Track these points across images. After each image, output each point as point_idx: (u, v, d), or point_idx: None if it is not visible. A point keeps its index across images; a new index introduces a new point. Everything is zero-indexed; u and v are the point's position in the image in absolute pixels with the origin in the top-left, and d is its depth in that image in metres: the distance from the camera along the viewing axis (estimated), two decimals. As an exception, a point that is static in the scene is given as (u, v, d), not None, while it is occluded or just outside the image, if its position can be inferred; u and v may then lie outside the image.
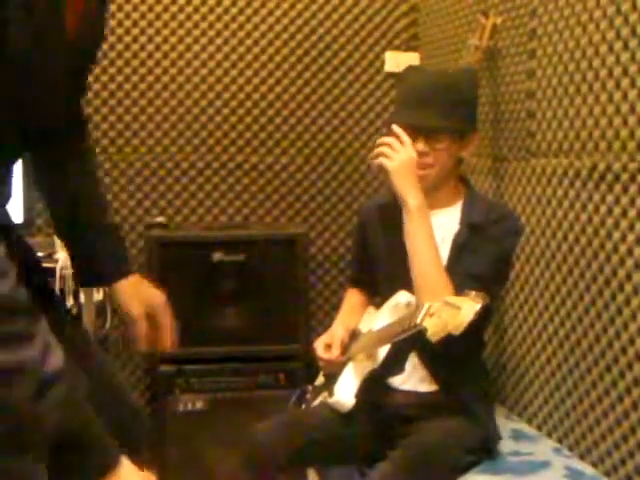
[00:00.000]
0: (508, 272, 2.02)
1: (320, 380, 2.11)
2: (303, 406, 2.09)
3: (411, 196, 1.83)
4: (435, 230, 1.91)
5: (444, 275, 1.81)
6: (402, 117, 1.93)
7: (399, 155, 1.83)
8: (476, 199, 1.98)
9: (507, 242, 1.92)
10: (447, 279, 1.81)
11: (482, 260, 1.86)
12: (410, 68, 2.04)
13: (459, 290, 1.78)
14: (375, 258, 2.06)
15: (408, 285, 1.91)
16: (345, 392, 1.89)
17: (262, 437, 1.91)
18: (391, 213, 2.00)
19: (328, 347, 1.98)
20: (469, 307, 1.48)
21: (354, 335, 2.01)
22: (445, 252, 1.89)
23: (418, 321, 1.56)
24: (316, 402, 2.03)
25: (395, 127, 1.87)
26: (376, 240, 2.05)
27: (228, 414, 2.77)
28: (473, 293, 1.52)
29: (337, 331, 2.01)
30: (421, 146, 1.87)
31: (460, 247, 1.89)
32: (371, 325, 1.95)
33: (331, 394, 1.91)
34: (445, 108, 1.87)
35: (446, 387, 1.90)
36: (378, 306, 2.03)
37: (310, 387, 2.13)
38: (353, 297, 2.21)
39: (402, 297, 1.88)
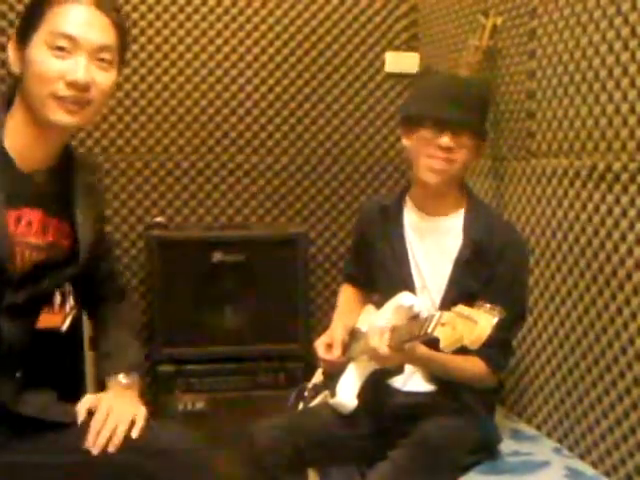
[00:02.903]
0: (526, 307, 2.01)
1: (318, 378, 2.11)
2: (301, 404, 2.09)
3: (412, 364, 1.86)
4: (438, 236, 1.93)
5: (472, 367, 1.84)
6: (431, 110, 1.91)
7: (391, 361, 1.79)
8: (479, 210, 1.95)
9: (517, 282, 1.91)
10: (473, 364, 1.83)
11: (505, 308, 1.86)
12: (427, 70, 2.07)
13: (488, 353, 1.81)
14: (375, 258, 2.05)
15: (409, 286, 1.92)
16: (347, 394, 1.88)
17: (262, 437, 1.90)
18: (393, 215, 2.01)
19: (329, 347, 1.98)
20: (486, 321, 1.45)
21: (353, 334, 2.01)
22: (448, 265, 1.90)
23: (429, 330, 1.54)
24: (316, 401, 2.03)
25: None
26: (377, 241, 2.04)
27: (228, 414, 2.77)
28: (488, 305, 1.49)
29: (337, 331, 2.01)
30: (447, 140, 1.86)
31: (463, 264, 1.89)
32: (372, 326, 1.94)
33: (333, 395, 1.91)
34: (470, 107, 1.89)
35: (446, 387, 1.90)
36: (378, 305, 2.03)
37: (309, 385, 2.13)
38: (348, 294, 2.20)
39: (405, 299, 1.87)
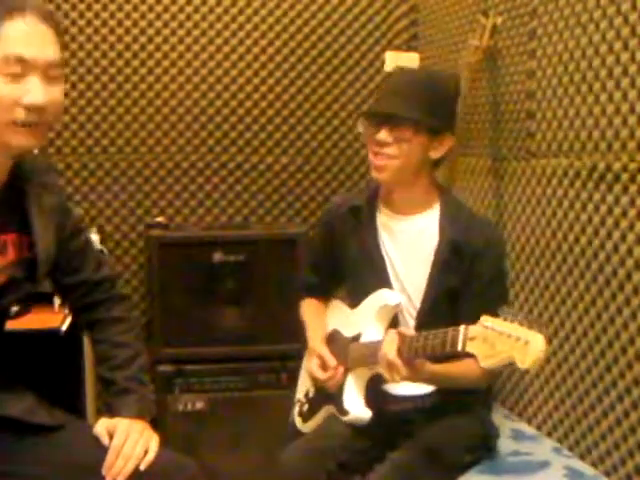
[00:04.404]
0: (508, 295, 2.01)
1: (302, 391, 2.07)
2: (299, 420, 2.05)
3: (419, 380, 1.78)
4: (413, 237, 1.89)
5: (471, 373, 1.75)
6: (370, 107, 1.90)
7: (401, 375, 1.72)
8: (454, 208, 1.91)
9: (500, 274, 1.89)
10: (471, 369, 1.73)
11: (486, 304, 1.77)
12: (397, 68, 2.02)
13: None
14: (346, 261, 2.00)
15: (385, 287, 1.89)
16: (358, 407, 1.85)
17: (297, 468, 1.86)
18: (366, 216, 1.95)
19: (324, 368, 1.93)
20: (535, 340, 1.37)
21: (333, 339, 1.97)
22: (426, 265, 1.86)
23: (459, 347, 1.50)
24: (319, 415, 1.99)
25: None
26: (348, 242, 1.98)
27: (228, 414, 2.77)
28: (524, 319, 1.41)
29: (321, 349, 1.95)
30: (383, 135, 1.82)
31: (441, 264, 1.85)
32: (357, 330, 1.91)
33: (344, 413, 1.86)
34: (413, 100, 1.80)
35: (443, 388, 1.89)
36: (352, 303, 1.98)
37: (300, 398, 2.08)
38: (313, 307, 2.13)
39: (390, 298, 1.85)
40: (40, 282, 1.60)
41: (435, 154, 1.86)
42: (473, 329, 1.49)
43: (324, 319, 2.08)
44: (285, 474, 1.87)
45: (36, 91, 1.40)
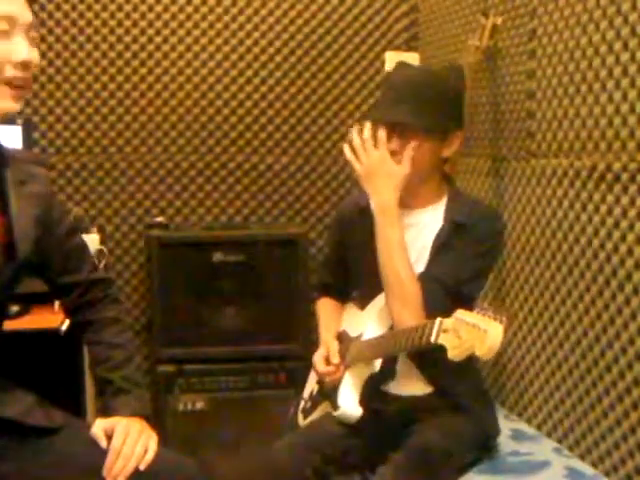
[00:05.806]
0: (486, 274, 1.95)
1: (310, 387, 2.08)
2: (301, 417, 2.07)
3: (376, 198, 1.82)
4: (419, 229, 1.88)
5: (411, 281, 1.77)
6: (377, 114, 1.90)
7: (369, 158, 1.81)
8: (460, 197, 1.93)
9: (487, 243, 1.86)
10: (414, 285, 1.76)
11: (459, 261, 1.81)
12: (399, 64, 1.96)
13: (431, 294, 1.76)
14: (357, 260, 2.01)
15: None
16: (349, 403, 1.86)
17: (284, 460, 1.86)
18: (372, 214, 1.94)
19: (327, 360, 1.94)
20: (495, 329, 1.41)
21: (341, 338, 1.98)
22: (428, 250, 1.86)
23: (432, 339, 1.52)
24: (316, 413, 2.00)
25: (368, 126, 1.83)
26: (357, 241, 1.99)
27: (228, 414, 2.77)
28: (490, 311, 1.45)
29: (331, 343, 1.96)
30: (394, 145, 1.81)
31: (442, 245, 1.85)
32: (360, 330, 1.92)
33: (335, 407, 1.87)
34: (421, 106, 1.79)
35: (441, 388, 1.89)
36: (362, 305, 1.99)
37: (305, 395, 2.10)
38: (328, 305, 2.15)
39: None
40: (24, 261, 1.58)
41: (448, 152, 1.87)
42: (447, 322, 1.52)
43: (338, 317, 2.09)
44: (271, 464, 1.88)
45: (23, 48, 1.44)
